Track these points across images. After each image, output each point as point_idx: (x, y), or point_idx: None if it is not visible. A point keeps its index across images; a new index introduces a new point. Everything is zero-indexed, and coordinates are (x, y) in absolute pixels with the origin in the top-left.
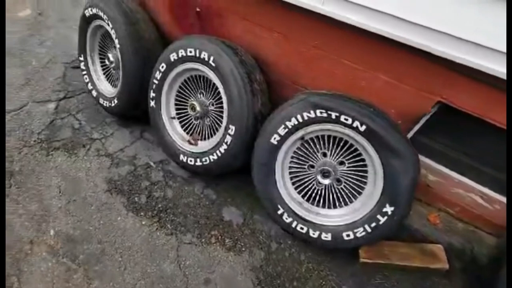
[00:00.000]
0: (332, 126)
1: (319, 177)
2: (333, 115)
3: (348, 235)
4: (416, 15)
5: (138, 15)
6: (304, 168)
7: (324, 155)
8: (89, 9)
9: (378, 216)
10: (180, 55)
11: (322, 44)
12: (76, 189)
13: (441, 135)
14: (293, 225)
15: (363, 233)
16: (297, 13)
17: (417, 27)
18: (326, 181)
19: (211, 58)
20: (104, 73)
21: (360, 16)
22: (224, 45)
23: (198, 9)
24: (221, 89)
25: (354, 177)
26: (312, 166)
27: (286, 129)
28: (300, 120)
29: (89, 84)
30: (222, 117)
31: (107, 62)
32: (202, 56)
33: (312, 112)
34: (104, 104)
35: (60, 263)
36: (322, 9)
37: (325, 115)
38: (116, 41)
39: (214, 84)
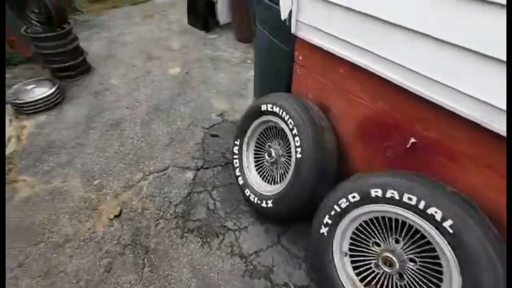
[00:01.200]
0: None
1: None
2: None
3: None
4: None
5: (323, 122)
6: None
7: None
8: (269, 105)
9: None
10: (389, 196)
11: None
12: None
13: None
14: None
15: None
16: None
17: None
18: None
19: (449, 223)
20: (255, 163)
21: None
22: (463, 201)
23: (413, 140)
24: (454, 270)
25: None
26: None
27: None
28: None
29: (238, 170)
30: (422, 277)
31: (266, 157)
32: (430, 211)
33: None
34: (251, 198)
35: None
36: None
37: None
38: (298, 149)
39: (421, 233)
